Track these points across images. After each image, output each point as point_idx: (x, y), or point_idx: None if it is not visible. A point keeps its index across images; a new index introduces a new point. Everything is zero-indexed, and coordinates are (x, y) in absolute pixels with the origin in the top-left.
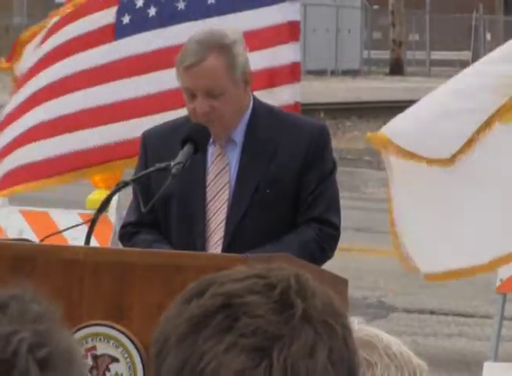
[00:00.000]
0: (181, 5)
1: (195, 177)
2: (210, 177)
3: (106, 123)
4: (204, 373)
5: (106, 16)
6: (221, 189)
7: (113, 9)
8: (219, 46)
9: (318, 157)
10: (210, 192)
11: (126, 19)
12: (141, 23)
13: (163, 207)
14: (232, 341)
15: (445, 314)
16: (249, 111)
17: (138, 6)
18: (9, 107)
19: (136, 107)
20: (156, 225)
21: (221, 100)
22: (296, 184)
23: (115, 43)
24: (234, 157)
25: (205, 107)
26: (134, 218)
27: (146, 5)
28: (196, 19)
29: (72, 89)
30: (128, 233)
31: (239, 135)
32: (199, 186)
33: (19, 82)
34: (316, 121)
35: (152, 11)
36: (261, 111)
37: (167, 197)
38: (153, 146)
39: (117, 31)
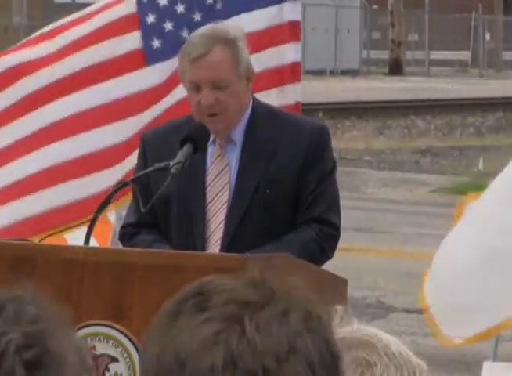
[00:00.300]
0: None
1: (195, 177)
2: (210, 177)
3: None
4: (180, 345)
5: (130, 40)
6: (221, 189)
7: (136, 34)
8: (224, 39)
9: (318, 157)
10: (210, 192)
11: (156, 43)
12: (175, 47)
13: (163, 208)
14: (206, 317)
15: None
16: (249, 111)
17: (167, 29)
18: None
19: None
20: (156, 226)
21: (226, 93)
22: (296, 184)
23: (147, 69)
24: (234, 157)
25: (210, 99)
26: (134, 218)
27: (178, 28)
28: None
29: (101, 122)
30: (128, 233)
31: (238, 134)
32: (199, 187)
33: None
34: (316, 121)
35: (185, 33)
36: (260, 111)
37: (167, 197)
38: (152, 146)
39: (147, 57)
